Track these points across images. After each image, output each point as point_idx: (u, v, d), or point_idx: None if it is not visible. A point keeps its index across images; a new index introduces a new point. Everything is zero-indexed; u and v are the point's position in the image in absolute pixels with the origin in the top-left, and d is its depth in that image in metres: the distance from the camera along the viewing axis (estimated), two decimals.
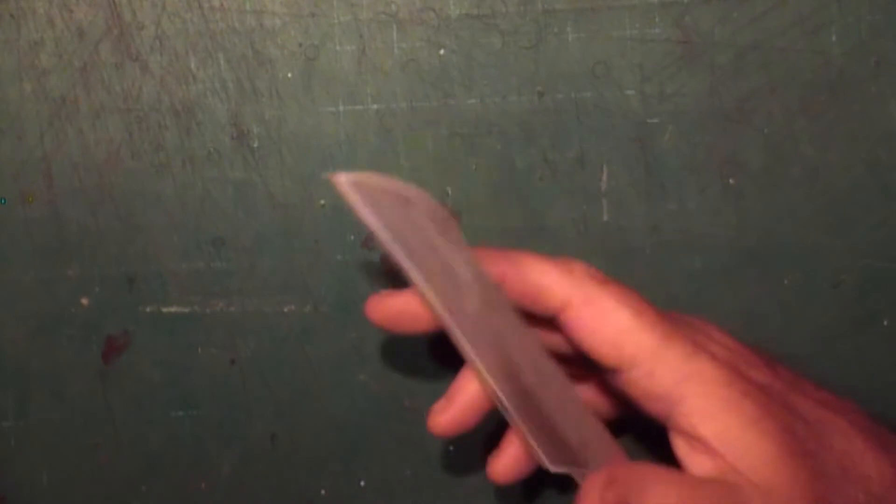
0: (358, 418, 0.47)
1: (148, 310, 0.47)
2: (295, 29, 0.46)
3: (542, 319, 0.38)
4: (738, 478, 0.35)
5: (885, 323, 0.46)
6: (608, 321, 0.36)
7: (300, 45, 0.46)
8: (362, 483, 0.47)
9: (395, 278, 0.47)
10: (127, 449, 0.47)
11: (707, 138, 0.46)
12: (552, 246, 0.47)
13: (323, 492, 0.47)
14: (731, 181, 0.46)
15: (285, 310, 0.47)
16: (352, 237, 0.47)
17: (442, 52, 0.46)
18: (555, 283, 0.37)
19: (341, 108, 0.46)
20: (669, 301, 0.46)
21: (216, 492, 0.47)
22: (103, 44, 0.46)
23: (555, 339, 0.39)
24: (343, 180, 0.36)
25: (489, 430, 0.47)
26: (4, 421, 0.47)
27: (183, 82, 0.46)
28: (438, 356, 0.47)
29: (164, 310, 0.47)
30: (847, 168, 0.46)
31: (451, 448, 0.47)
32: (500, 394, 0.37)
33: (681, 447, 0.36)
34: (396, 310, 0.37)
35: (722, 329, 0.40)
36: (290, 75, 0.46)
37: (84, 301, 0.47)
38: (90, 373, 0.47)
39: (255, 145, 0.46)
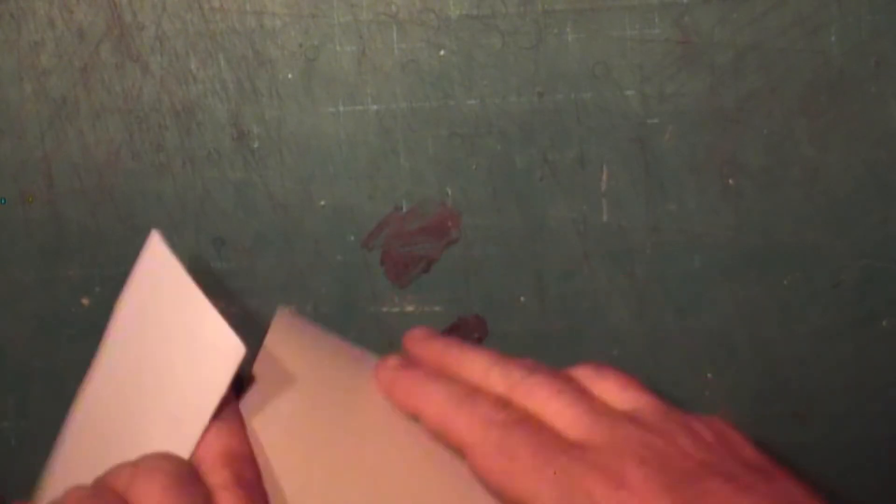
0: None
1: None
2: (295, 29, 0.46)
3: None
4: None
5: (885, 323, 0.46)
6: (489, 468, 0.38)
7: (300, 45, 0.46)
8: None
9: (397, 276, 0.47)
10: None
11: (707, 138, 0.46)
12: (552, 246, 0.47)
13: None
14: (730, 181, 0.46)
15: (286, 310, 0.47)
16: (352, 237, 0.47)
17: (442, 52, 0.46)
18: (451, 425, 0.39)
19: (341, 108, 0.46)
20: (669, 301, 0.46)
21: None
22: (104, 44, 0.46)
23: None
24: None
25: None
26: (4, 421, 0.47)
27: (183, 83, 0.46)
28: None
29: None
30: (847, 168, 0.46)
31: None
32: None
33: None
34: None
35: (608, 379, 0.40)
36: (290, 76, 0.46)
37: (84, 301, 0.47)
38: None
39: (256, 146, 0.46)
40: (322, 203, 0.46)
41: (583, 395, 0.39)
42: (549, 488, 0.37)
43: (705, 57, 0.46)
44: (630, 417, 0.39)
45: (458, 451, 0.39)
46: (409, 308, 0.47)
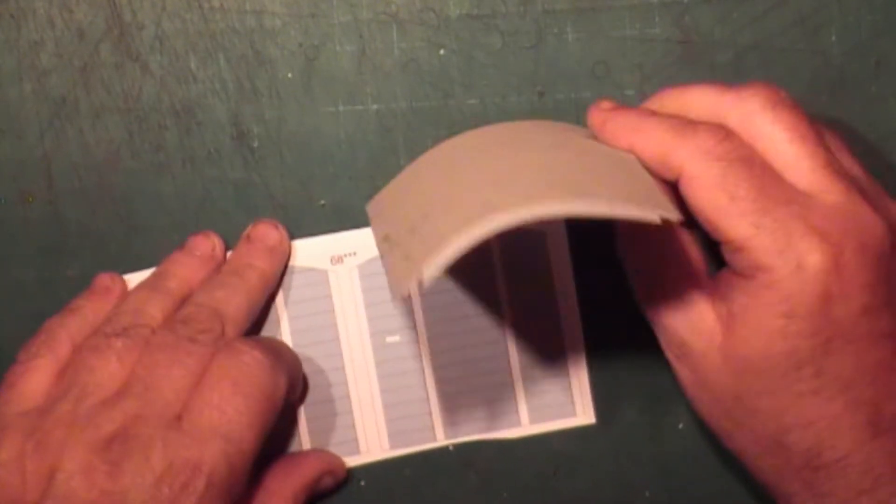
0: None
1: None
2: (295, 29, 0.46)
3: None
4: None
5: None
6: (707, 200, 0.37)
7: (300, 45, 0.46)
8: (362, 483, 0.47)
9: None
10: None
11: None
12: None
13: (322, 492, 0.47)
14: None
15: None
16: None
17: (442, 52, 0.46)
18: (671, 153, 0.38)
19: (341, 108, 0.46)
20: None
21: None
22: (103, 44, 0.46)
23: None
24: None
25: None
26: None
27: (183, 82, 0.46)
28: None
29: None
30: None
31: (451, 448, 0.47)
32: None
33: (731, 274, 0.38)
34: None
35: (844, 150, 0.40)
36: (290, 75, 0.46)
37: None
38: None
39: (255, 145, 0.46)
40: (322, 203, 0.46)
41: (822, 145, 0.38)
42: (762, 238, 0.36)
43: (705, 56, 0.46)
44: (858, 192, 0.38)
45: (675, 182, 0.38)
46: None
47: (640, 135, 0.39)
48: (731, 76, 0.46)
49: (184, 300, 0.43)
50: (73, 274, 0.46)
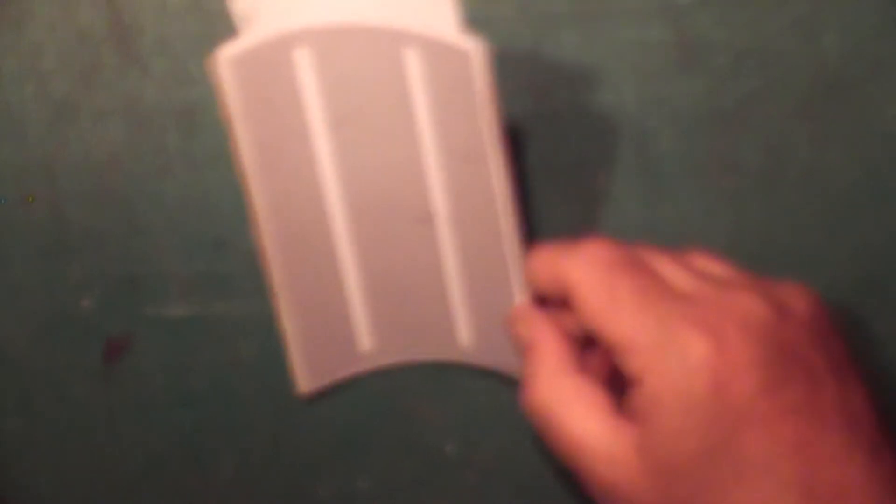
0: (358, 418, 0.47)
1: (149, 311, 0.47)
2: None
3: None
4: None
5: (884, 325, 0.46)
6: (590, 303, 0.38)
7: None
8: (362, 483, 0.47)
9: None
10: (127, 449, 0.47)
11: (705, 141, 0.46)
12: None
13: (323, 492, 0.47)
14: (728, 183, 0.46)
15: None
16: None
17: None
18: (559, 266, 0.40)
19: None
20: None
21: (216, 492, 0.47)
22: (105, 47, 0.46)
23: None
24: None
25: (487, 432, 0.47)
26: (4, 421, 0.47)
27: (184, 85, 0.46)
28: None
29: (166, 311, 0.47)
30: (845, 170, 0.46)
31: (451, 448, 0.47)
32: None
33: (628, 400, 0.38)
34: None
35: (717, 261, 0.41)
36: None
37: (85, 302, 0.47)
38: (91, 374, 0.47)
39: None
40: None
41: (684, 261, 0.40)
42: (646, 334, 0.37)
43: (703, 59, 0.46)
44: (733, 285, 0.39)
45: (565, 294, 0.39)
46: None
47: (531, 260, 0.41)
48: (729, 78, 0.46)
49: None
50: (74, 275, 0.47)
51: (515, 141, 0.46)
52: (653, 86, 0.46)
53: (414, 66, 0.40)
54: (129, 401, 0.47)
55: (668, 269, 0.39)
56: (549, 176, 0.46)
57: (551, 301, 0.41)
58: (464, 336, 0.45)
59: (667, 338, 0.36)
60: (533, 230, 0.46)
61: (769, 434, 0.36)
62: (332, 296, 0.45)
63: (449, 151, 0.41)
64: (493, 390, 0.47)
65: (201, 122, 0.46)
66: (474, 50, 0.39)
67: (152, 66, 0.46)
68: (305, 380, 0.46)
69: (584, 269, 0.39)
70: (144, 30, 0.46)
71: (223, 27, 0.46)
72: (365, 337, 0.46)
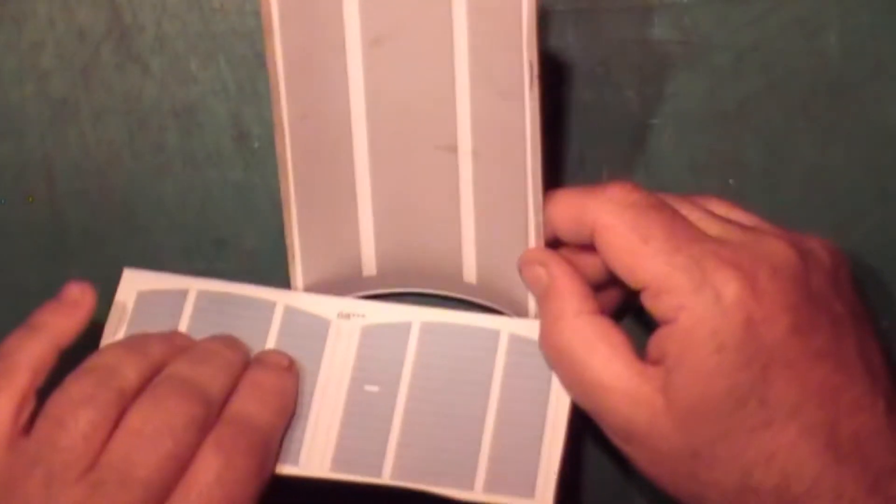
0: None
1: None
2: None
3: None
4: None
5: (885, 324, 0.46)
6: (621, 246, 0.38)
7: None
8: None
9: None
10: None
11: (706, 139, 0.46)
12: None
13: (324, 491, 0.47)
14: (730, 182, 0.46)
15: None
16: None
17: None
18: (583, 210, 0.39)
19: None
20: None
21: None
22: (104, 45, 0.46)
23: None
24: None
25: None
26: None
27: (183, 83, 0.46)
28: None
29: None
30: (846, 169, 0.46)
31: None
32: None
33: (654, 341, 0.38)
34: None
35: (734, 207, 0.41)
36: None
37: None
38: None
39: (256, 146, 0.46)
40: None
41: (705, 206, 0.40)
42: (678, 275, 0.37)
43: (705, 58, 0.46)
44: (760, 230, 0.39)
45: (590, 238, 0.39)
46: None
47: (552, 202, 0.40)
48: (730, 77, 0.46)
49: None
50: (73, 274, 0.46)
51: None
52: (655, 84, 0.46)
53: None
54: None
55: (694, 213, 0.39)
56: (551, 173, 0.46)
57: (565, 245, 0.41)
58: (470, 272, 0.44)
59: (702, 278, 0.37)
60: None
61: (798, 378, 0.36)
62: (343, 214, 0.44)
63: (486, 83, 0.40)
64: None
65: (201, 121, 0.46)
66: None
67: (152, 64, 0.46)
68: None
69: (614, 211, 0.38)
70: (144, 29, 0.46)
71: (223, 26, 0.46)
72: (370, 261, 0.44)
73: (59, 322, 0.40)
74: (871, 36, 0.46)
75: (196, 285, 0.44)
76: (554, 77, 0.46)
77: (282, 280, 0.47)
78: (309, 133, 0.41)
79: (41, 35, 0.46)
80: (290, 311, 0.43)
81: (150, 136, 0.46)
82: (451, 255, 0.44)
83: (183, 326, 0.43)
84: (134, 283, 0.43)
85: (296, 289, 0.44)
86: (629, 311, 0.44)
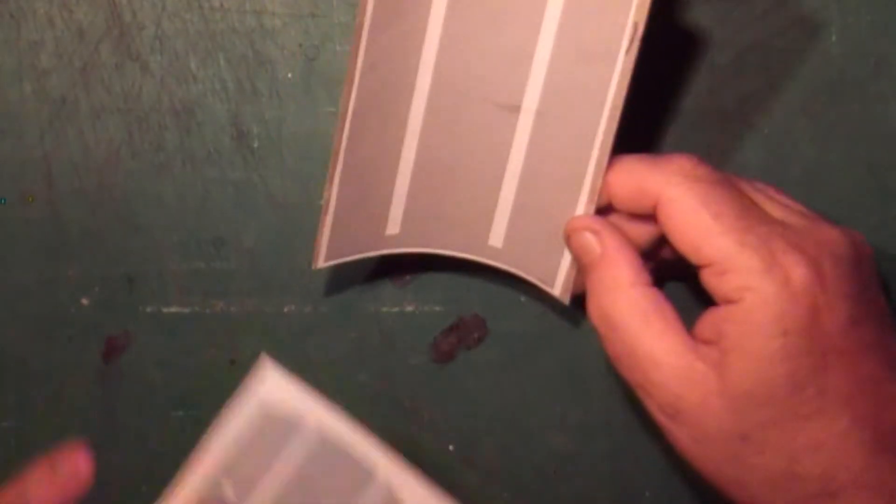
0: (358, 418, 0.47)
1: (148, 310, 0.47)
2: (295, 29, 0.46)
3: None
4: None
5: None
6: (688, 222, 0.37)
7: (300, 45, 0.46)
8: None
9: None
10: (127, 449, 0.47)
11: (707, 138, 0.46)
12: None
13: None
14: None
15: (285, 310, 0.47)
16: None
17: None
18: (647, 180, 0.38)
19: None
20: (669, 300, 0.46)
21: None
22: (103, 44, 0.46)
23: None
24: None
25: (487, 432, 0.47)
26: (4, 421, 0.47)
27: (183, 82, 0.46)
28: (439, 357, 0.47)
29: (165, 310, 0.47)
30: (847, 168, 0.46)
31: (452, 448, 0.47)
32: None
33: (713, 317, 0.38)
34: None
35: (783, 194, 0.41)
36: (290, 75, 0.46)
37: (84, 301, 0.47)
38: (90, 373, 0.47)
39: (256, 145, 0.46)
40: (322, 203, 0.46)
41: (762, 188, 0.40)
42: (748, 254, 0.36)
43: (705, 56, 0.46)
44: (816, 218, 0.39)
45: (650, 209, 0.38)
46: (409, 308, 0.47)
47: (613, 170, 0.39)
48: (730, 76, 0.46)
49: None
50: (73, 274, 0.46)
51: None
52: (654, 82, 0.46)
53: None
54: (128, 399, 0.47)
55: (756, 194, 0.39)
56: None
57: (612, 213, 0.40)
58: (497, 236, 0.43)
59: (771, 260, 0.36)
60: None
61: (852, 368, 0.36)
62: (384, 170, 0.42)
63: (570, 45, 0.38)
64: (495, 391, 0.47)
65: (200, 120, 0.46)
66: None
67: (151, 63, 0.46)
68: (326, 251, 0.43)
69: (683, 184, 0.37)
70: (144, 27, 0.46)
71: (223, 25, 0.46)
72: (396, 219, 0.44)
73: (50, 499, 0.37)
74: (872, 35, 0.46)
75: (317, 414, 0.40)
76: None
77: (280, 279, 0.47)
78: (374, 85, 0.40)
79: (40, 34, 0.46)
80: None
81: (149, 135, 0.46)
82: (481, 218, 0.43)
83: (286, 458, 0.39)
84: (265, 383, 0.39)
85: (320, 244, 0.42)
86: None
